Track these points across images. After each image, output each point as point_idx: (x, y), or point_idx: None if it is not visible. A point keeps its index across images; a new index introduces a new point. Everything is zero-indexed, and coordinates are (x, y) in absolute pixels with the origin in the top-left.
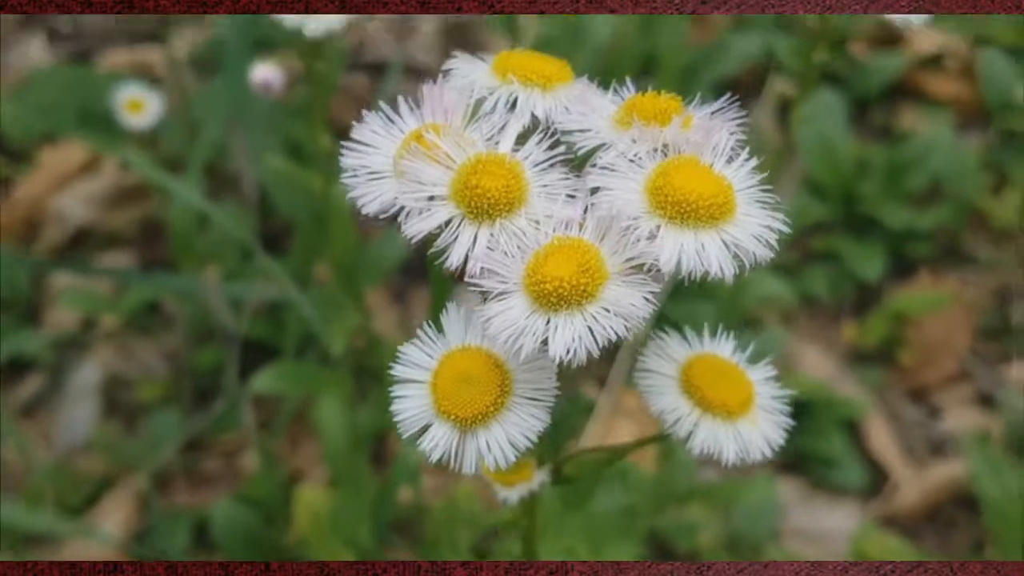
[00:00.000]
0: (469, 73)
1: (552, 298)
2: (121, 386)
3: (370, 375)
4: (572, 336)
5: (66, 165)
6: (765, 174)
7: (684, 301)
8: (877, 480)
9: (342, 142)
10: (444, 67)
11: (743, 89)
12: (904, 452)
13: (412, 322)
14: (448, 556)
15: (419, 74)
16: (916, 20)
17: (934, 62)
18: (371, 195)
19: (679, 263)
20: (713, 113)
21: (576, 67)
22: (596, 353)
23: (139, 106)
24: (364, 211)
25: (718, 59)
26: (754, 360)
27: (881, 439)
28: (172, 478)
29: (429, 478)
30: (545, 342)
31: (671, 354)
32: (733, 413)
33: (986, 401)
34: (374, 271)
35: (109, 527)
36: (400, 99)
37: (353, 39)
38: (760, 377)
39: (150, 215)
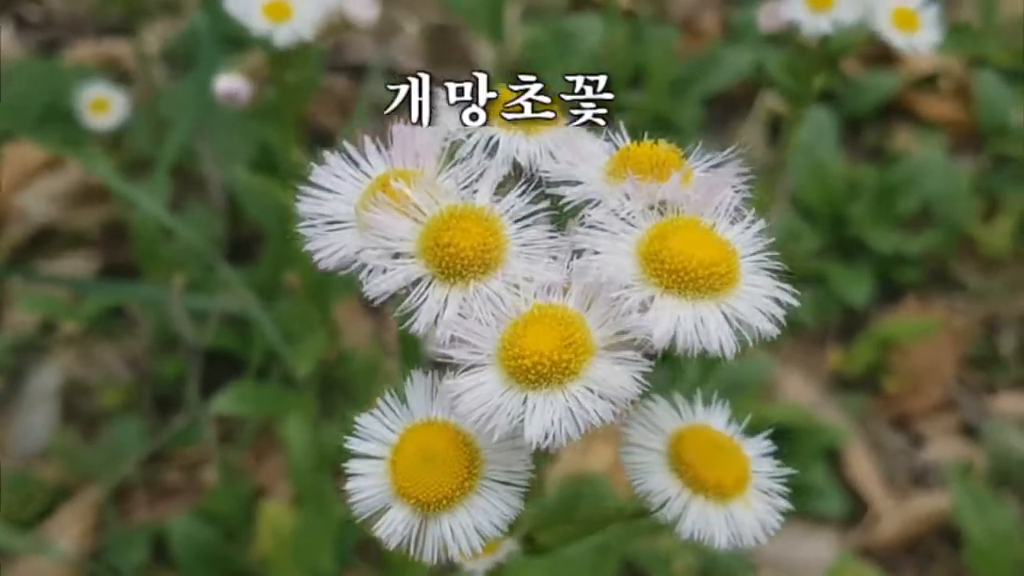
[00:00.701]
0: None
1: (531, 375)
2: (81, 392)
3: (338, 390)
4: (551, 419)
5: (30, 161)
6: (772, 239)
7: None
8: (856, 510)
9: (299, 187)
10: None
11: (733, 104)
12: (885, 482)
13: (385, 335)
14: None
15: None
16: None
17: (928, 82)
18: (330, 248)
19: (675, 339)
20: (716, 167)
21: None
22: (577, 438)
23: (104, 106)
24: (321, 266)
25: (708, 72)
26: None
27: (862, 468)
28: (131, 490)
29: None
30: (521, 423)
31: (659, 425)
32: (726, 494)
33: (970, 432)
34: (346, 281)
35: (64, 541)
36: (366, 139)
37: (333, 40)
38: (756, 452)
39: (115, 215)
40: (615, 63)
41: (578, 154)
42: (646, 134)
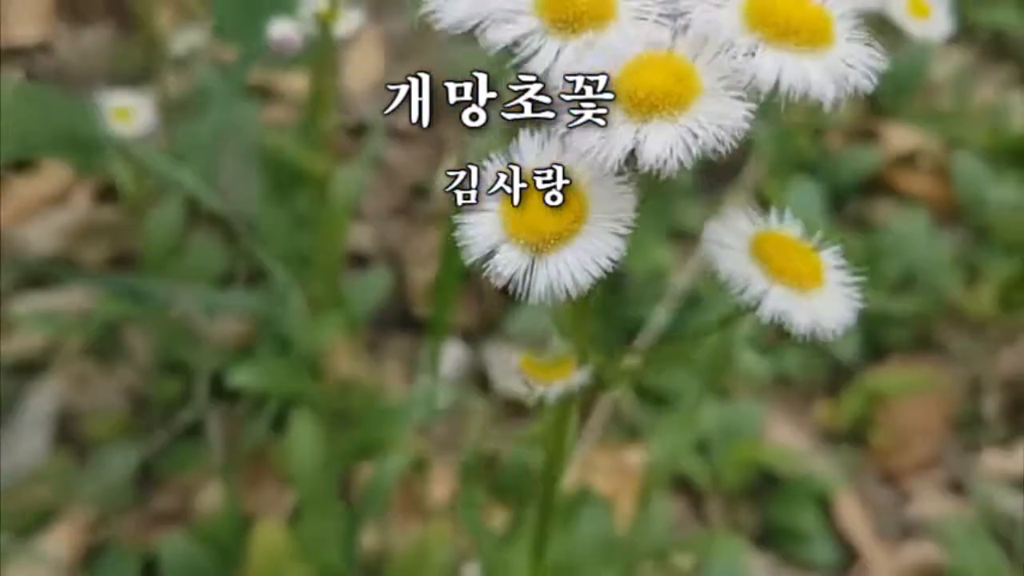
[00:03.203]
0: None
1: (644, 106)
2: (74, 418)
3: (340, 419)
4: (665, 144)
5: (34, 195)
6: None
7: (665, 370)
8: (847, 558)
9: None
10: None
11: (722, 172)
12: (875, 533)
13: (385, 373)
14: None
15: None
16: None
17: (908, 160)
18: (448, 8)
19: (779, 81)
20: None
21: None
22: (689, 164)
23: (128, 114)
24: (439, 25)
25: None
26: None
27: (852, 517)
28: (123, 515)
29: (396, 520)
30: (632, 154)
31: (737, 228)
32: (805, 285)
33: (957, 488)
34: (351, 310)
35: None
36: None
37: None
38: (831, 261)
39: (122, 250)
40: None
41: None
42: None
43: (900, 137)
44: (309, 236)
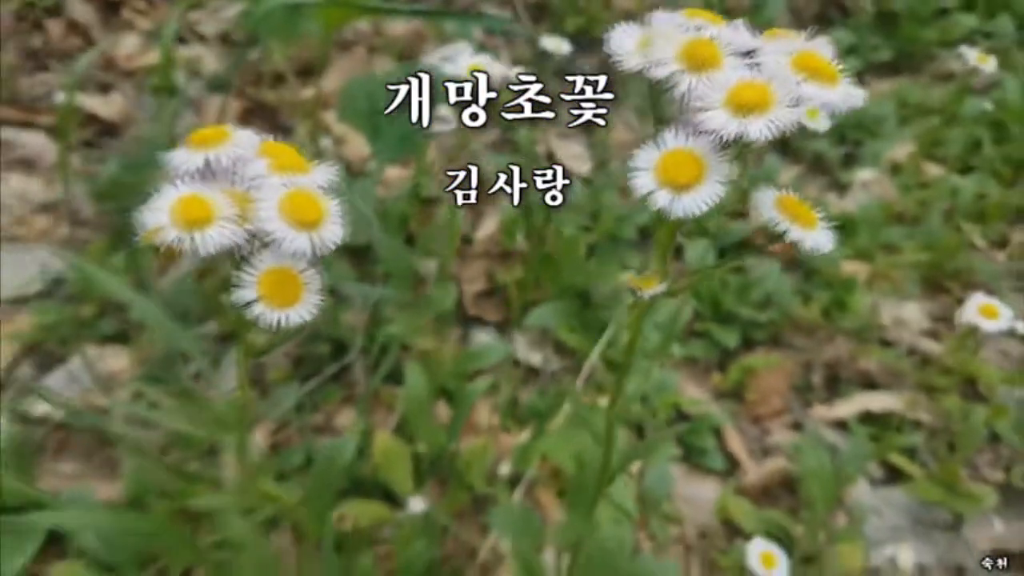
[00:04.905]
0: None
1: (745, 108)
2: (257, 369)
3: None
4: (760, 128)
5: None
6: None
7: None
8: (732, 467)
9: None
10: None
11: (645, 234)
12: (748, 453)
13: (450, 347)
14: (475, 477)
15: None
16: None
17: (765, 230)
18: (626, 60)
19: (814, 98)
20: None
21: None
22: (772, 137)
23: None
24: (621, 67)
25: (638, 212)
26: None
27: (734, 441)
28: (289, 429)
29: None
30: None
31: (770, 193)
32: (809, 224)
33: (798, 427)
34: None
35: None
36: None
37: None
38: (820, 214)
39: None
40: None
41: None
42: None
43: (760, 216)
44: (415, 258)
